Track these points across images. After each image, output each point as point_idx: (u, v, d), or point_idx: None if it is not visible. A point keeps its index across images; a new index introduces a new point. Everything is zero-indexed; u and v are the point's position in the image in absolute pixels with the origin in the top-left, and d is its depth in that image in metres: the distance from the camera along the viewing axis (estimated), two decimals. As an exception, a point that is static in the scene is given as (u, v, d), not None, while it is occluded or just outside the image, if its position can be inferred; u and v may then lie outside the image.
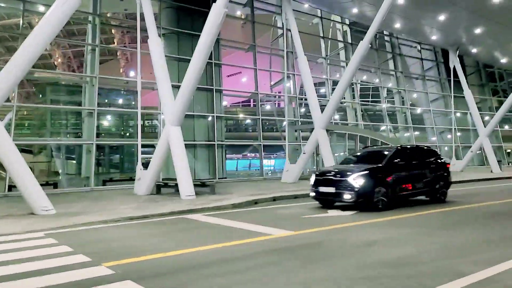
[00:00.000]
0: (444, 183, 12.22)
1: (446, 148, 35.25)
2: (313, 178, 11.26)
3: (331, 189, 10.53)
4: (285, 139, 22.49)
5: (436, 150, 13.22)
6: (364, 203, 10.17)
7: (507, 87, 40.24)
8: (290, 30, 22.42)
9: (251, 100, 28.60)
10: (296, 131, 26.19)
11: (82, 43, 20.82)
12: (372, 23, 17.78)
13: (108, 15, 25.38)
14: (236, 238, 7.18)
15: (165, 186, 15.21)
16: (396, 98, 34.85)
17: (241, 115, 27.84)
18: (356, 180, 10.12)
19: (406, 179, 11.18)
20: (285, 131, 23.61)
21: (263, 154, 24.87)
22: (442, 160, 12.78)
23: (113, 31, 34.71)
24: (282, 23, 24.58)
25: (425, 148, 13.17)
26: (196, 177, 19.62)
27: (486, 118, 32.06)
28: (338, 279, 4.77)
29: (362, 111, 32.27)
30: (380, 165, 10.81)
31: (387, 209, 10.21)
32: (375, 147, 13.73)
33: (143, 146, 15.84)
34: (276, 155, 25.92)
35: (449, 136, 34.71)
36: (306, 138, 22.64)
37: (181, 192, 13.45)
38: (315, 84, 21.32)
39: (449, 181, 12.57)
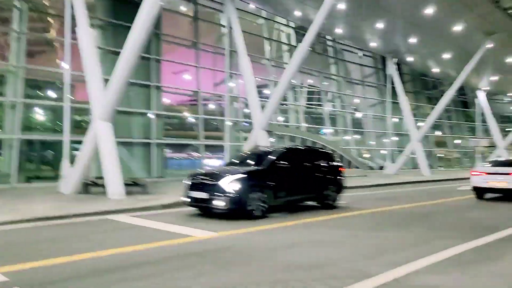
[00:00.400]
0: (336, 187, 11.49)
1: (383, 152, 36.73)
2: (187, 181, 9.92)
3: (204, 195, 9.21)
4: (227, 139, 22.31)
5: (330, 152, 12.52)
6: (239, 210, 8.98)
7: (439, 95, 42.65)
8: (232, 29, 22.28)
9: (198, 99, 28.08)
10: (237, 131, 26.09)
11: (5, 29, 19.23)
12: (311, 27, 18.08)
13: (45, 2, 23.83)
14: (154, 240, 6.86)
15: (94, 184, 14.43)
16: (337, 102, 35.84)
17: (181, 114, 27.23)
18: (231, 184, 8.97)
19: (292, 183, 10.31)
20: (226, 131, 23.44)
21: (205, 154, 24.51)
22: (336, 163, 11.97)
23: (50, 19, 32.75)
24: (227, 22, 24.39)
25: (317, 150, 12.52)
26: (132, 176, 18.89)
27: (420, 124, 33.81)
28: (246, 284, 4.61)
29: (305, 113, 32.86)
30: (262, 167, 9.86)
31: (265, 216, 9.21)
32: (263, 147, 12.49)
33: (78, 142, 14.97)
34: (222, 155, 25.67)
35: (385, 140, 36.24)
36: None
37: (109, 192, 12.82)
38: (260, 86, 21.34)
39: (342, 185, 11.81)
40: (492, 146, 41.23)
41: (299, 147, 12.62)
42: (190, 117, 25.81)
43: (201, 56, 25.15)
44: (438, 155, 45.15)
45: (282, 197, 9.96)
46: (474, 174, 14.01)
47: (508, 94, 48.12)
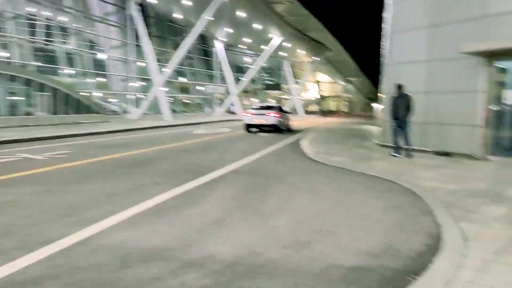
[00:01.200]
0: None
1: (129, 96, 35.65)
2: None
3: None
4: None
5: None
6: None
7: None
8: None
9: None
10: None
11: None
12: None
13: None
14: None
15: None
16: (74, 40, 32.14)
17: None
18: None
19: None
20: None
21: None
22: None
23: None
24: None
25: None
26: None
27: (166, 69, 34.07)
28: None
29: (36, 50, 28.09)
30: None
31: None
32: None
33: None
34: None
35: (131, 85, 35.23)
36: None
37: None
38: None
39: None
40: (228, 93, 46.07)
41: None
42: None
43: None
44: (184, 100, 47.45)
45: None
46: (245, 115, 19.79)
47: (240, 46, 54.01)
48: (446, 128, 10.85)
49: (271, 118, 18.72)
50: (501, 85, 10.29)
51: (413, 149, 10.65)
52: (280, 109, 20.12)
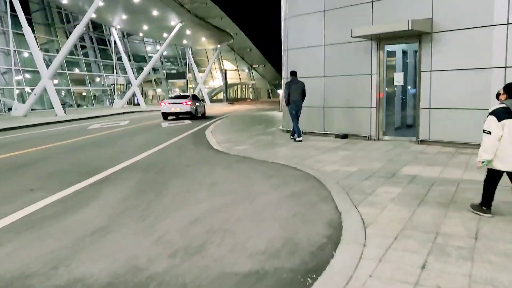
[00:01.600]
0: None
1: (16, 91, 31.76)
2: None
3: None
4: None
5: None
6: None
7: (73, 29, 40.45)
8: None
9: None
10: None
11: None
12: None
13: None
14: None
15: None
16: None
17: None
18: None
19: None
20: None
21: None
22: None
23: None
24: None
25: None
26: None
27: (55, 60, 30.78)
28: None
29: None
30: None
31: None
32: None
33: None
34: None
35: (15, 78, 31.42)
36: None
37: None
38: None
39: None
40: (128, 83, 43.54)
41: None
42: None
43: None
44: (84, 94, 43.82)
45: None
46: (162, 104, 21.17)
47: (140, 35, 51.31)
48: (344, 111, 11.12)
49: (185, 106, 20.56)
50: (391, 68, 10.78)
51: (304, 132, 11.13)
52: (194, 98, 22.18)
